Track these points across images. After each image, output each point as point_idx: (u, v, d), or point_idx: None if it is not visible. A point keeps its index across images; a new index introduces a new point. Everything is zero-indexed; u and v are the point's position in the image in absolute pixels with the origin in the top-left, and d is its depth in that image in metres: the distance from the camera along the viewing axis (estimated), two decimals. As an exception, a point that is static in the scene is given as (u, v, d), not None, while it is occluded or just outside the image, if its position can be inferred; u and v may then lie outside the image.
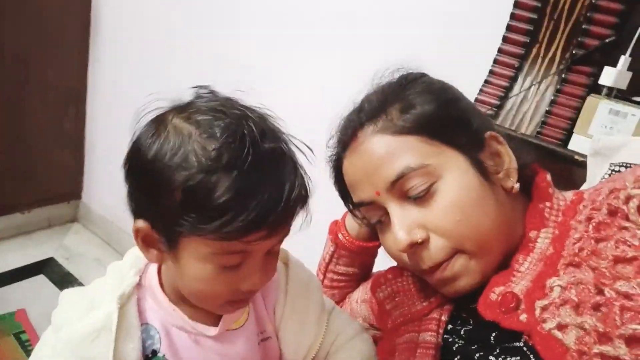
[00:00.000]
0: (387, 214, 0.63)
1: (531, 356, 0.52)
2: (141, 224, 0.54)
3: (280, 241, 0.56)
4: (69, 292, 0.62)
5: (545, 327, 0.51)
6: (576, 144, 0.93)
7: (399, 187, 0.60)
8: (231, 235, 0.48)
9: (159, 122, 0.54)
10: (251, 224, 0.48)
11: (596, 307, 0.48)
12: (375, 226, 0.67)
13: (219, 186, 0.48)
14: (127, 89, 2.07)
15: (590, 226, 0.54)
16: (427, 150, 0.60)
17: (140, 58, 2.00)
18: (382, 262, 0.89)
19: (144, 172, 0.53)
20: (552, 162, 0.88)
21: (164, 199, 0.50)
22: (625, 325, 0.46)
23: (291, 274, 0.70)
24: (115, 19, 2.07)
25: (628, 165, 0.74)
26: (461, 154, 0.60)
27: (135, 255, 0.64)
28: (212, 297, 0.56)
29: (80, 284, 1.99)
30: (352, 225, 0.83)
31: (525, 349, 0.54)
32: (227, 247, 0.51)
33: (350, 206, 0.70)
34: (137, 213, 0.55)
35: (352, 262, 0.86)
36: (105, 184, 2.31)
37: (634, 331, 0.45)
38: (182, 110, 0.54)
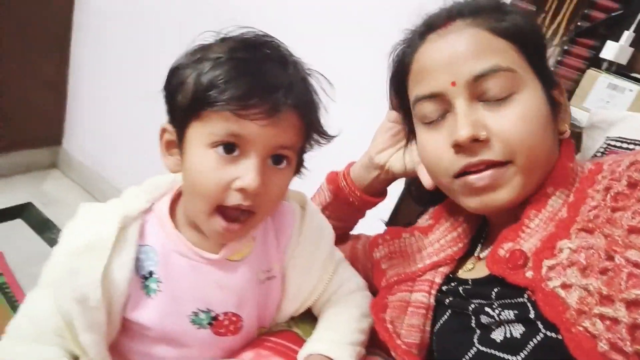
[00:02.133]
0: (447, 113, 0.61)
1: (531, 310, 0.54)
2: (166, 124, 0.62)
3: (281, 145, 0.58)
4: (84, 206, 0.65)
5: (549, 284, 0.52)
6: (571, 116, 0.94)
7: (478, 85, 0.59)
8: (222, 102, 0.53)
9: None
10: (241, 95, 0.54)
11: (603, 272, 0.49)
12: (422, 125, 0.65)
13: (218, 70, 0.55)
14: (115, 34, 2.00)
15: (608, 196, 0.54)
16: (517, 60, 0.60)
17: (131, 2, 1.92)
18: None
19: (169, 78, 0.60)
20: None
21: (179, 93, 0.58)
22: (629, 290, 0.47)
23: (307, 218, 0.72)
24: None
25: (624, 139, 0.76)
26: (539, 82, 0.61)
27: (154, 182, 0.67)
28: (206, 192, 0.57)
29: (60, 231, 1.97)
30: (358, 177, 0.83)
31: (528, 304, 0.55)
32: (222, 124, 0.55)
33: (395, 100, 0.72)
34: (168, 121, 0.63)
35: (343, 216, 0.86)
36: (88, 130, 2.25)
37: (637, 296, 0.46)
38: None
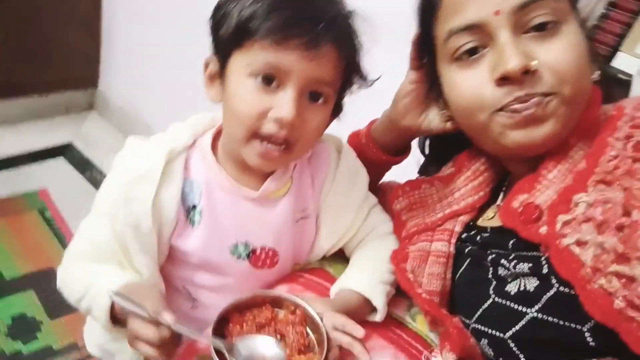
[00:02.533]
0: (482, 49, 0.58)
1: (545, 266, 0.54)
2: (209, 57, 0.64)
3: (318, 80, 0.59)
4: (133, 139, 0.69)
5: (563, 242, 0.52)
6: (621, 62, 0.89)
7: (524, 14, 0.55)
8: (263, 32, 0.55)
9: None
10: (281, 25, 0.55)
11: (620, 228, 0.48)
12: (454, 65, 0.62)
13: (261, 1, 0.56)
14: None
15: (629, 145, 0.52)
16: None
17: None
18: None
19: (215, 11, 0.62)
20: (592, 79, 0.86)
21: (225, 25, 0.59)
22: None
23: (342, 161, 0.73)
24: None
25: (677, 85, 0.72)
26: (577, 19, 0.59)
27: (196, 119, 0.70)
28: (244, 118, 0.59)
29: (100, 172, 2.04)
30: (380, 139, 0.82)
31: (541, 258, 0.55)
32: (262, 54, 0.56)
33: (418, 52, 0.70)
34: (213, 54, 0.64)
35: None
36: (123, 73, 2.27)
37: None
38: None
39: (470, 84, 0.59)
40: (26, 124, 2.19)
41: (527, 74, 0.55)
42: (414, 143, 0.87)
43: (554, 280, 0.53)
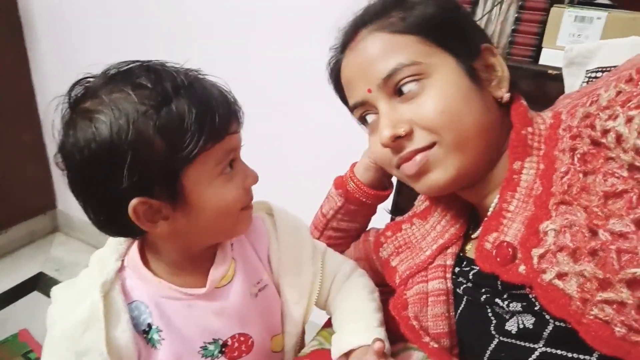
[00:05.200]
0: (377, 113, 0.64)
1: (536, 303, 0.53)
2: (136, 201, 0.54)
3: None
4: (58, 288, 0.64)
5: (545, 278, 0.50)
6: (547, 58, 0.92)
7: (390, 83, 0.61)
8: (221, 131, 0.56)
9: (79, 118, 0.55)
10: (226, 115, 0.57)
11: (593, 253, 0.47)
12: (365, 126, 0.69)
13: (183, 106, 0.53)
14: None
15: (576, 158, 0.52)
16: (421, 50, 0.61)
17: (81, 51, 1.90)
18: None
19: (111, 156, 0.52)
20: (525, 80, 0.88)
21: (148, 157, 0.52)
22: (624, 270, 0.45)
23: (278, 222, 0.73)
24: (46, 20, 1.95)
25: (604, 69, 0.74)
26: (453, 58, 0.61)
27: (116, 240, 0.66)
28: (234, 206, 0.60)
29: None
30: (363, 178, 0.82)
31: (530, 295, 0.54)
32: (221, 149, 0.57)
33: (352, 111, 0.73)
34: (123, 201, 0.54)
35: (356, 217, 0.86)
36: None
37: (634, 275, 0.44)
38: (90, 95, 0.56)
39: (375, 148, 0.66)
40: (-9, 266, 2.12)
41: (402, 137, 0.60)
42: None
43: (548, 317, 0.51)
